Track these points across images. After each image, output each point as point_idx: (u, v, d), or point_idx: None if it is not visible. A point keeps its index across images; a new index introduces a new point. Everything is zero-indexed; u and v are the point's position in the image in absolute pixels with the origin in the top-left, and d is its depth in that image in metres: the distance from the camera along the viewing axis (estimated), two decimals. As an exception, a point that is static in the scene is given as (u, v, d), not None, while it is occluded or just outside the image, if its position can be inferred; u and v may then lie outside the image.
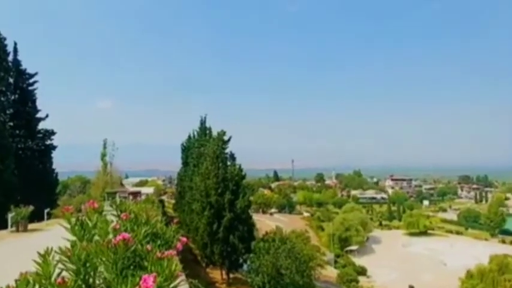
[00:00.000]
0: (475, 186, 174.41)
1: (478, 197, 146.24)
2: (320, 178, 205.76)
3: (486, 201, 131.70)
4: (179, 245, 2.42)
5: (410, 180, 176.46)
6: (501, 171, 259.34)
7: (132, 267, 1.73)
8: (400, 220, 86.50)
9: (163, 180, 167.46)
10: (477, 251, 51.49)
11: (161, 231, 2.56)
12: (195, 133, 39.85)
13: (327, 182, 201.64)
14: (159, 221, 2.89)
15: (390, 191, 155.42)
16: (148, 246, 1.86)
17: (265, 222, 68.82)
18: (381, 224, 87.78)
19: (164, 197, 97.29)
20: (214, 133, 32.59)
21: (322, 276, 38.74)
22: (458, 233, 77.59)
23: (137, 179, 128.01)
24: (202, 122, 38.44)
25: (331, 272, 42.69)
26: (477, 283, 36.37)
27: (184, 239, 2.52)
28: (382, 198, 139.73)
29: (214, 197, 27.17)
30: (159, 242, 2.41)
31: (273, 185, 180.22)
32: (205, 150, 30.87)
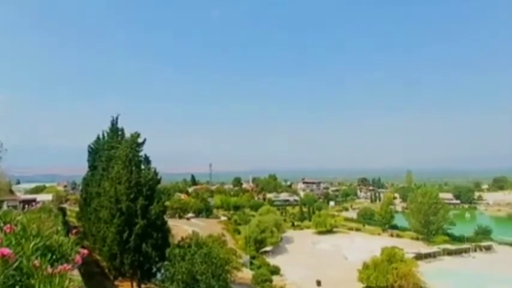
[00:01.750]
0: (371, 187, 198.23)
1: (373, 197, 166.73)
2: (237, 182, 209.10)
3: (379, 200, 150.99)
4: (78, 258, 2.15)
5: (319, 183, 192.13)
6: (391, 174, 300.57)
7: (17, 287, 1.47)
8: (310, 220, 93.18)
9: (65, 186, 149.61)
10: (372, 245, 58.35)
11: (56, 243, 2.24)
12: (105, 134, 36.54)
13: (244, 185, 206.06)
14: (55, 232, 2.53)
15: (302, 193, 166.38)
16: (36, 262, 1.56)
17: (181, 228, 66.89)
18: (293, 225, 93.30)
19: (66, 205, 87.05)
20: (128, 135, 30.45)
21: (238, 278, 39.30)
22: (357, 229, 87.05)
23: (32, 185, 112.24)
24: (114, 123, 35.43)
25: (246, 274, 43.55)
26: (371, 273, 41.37)
27: (85, 251, 2.25)
28: (295, 200, 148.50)
29: (126, 203, 25.31)
30: (53, 256, 2.10)
31: (190, 189, 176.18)
32: (116, 153, 28.56)
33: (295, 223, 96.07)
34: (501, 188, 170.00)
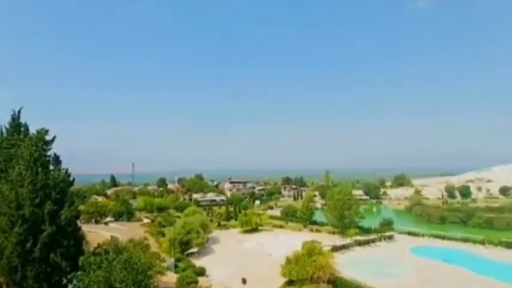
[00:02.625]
0: (294, 186, 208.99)
1: (295, 195, 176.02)
2: (162, 182, 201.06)
3: (301, 198, 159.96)
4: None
5: (246, 182, 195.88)
6: (312, 173, 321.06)
7: None
8: (236, 220, 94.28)
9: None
10: (295, 240, 61.58)
11: None
12: (3, 130, 31.66)
13: (169, 186, 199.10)
14: None
15: (229, 193, 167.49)
16: None
17: (98, 234, 61.80)
18: (219, 225, 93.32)
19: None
20: (33, 131, 26.88)
21: (162, 283, 37.71)
22: (281, 226, 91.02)
23: None
24: (15, 118, 30.92)
25: (171, 278, 42.07)
26: (293, 267, 43.60)
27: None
28: (222, 200, 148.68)
29: (30, 208, 22.32)
30: None
31: (109, 191, 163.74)
32: (18, 152, 24.98)
33: (222, 223, 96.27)
34: (401, 185, 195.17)
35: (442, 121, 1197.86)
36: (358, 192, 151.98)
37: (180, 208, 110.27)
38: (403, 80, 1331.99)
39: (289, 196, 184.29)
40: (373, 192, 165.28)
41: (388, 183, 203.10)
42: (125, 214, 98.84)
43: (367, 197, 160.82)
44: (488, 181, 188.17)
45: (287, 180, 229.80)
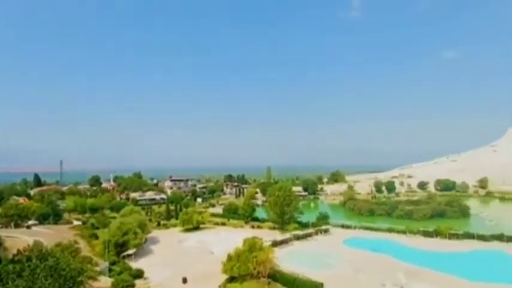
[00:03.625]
0: (236, 183, 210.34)
1: (237, 192, 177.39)
2: (95, 181, 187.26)
3: (243, 195, 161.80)
4: None
5: (187, 180, 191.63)
6: (254, 170, 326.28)
7: None
8: (177, 218, 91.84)
9: None
10: (236, 237, 61.86)
11: None
12: None
13: (104, 185, 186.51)
14: None
15: (169, 191, 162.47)
16: None
17: (19, 239, 55.75)
18: (159, 224, 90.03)
19: None
20: None
21: (94, 289, 35.24)
22: (223, 224, 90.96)
23: None
24: None
25: (104, 283, 39.47)
26: (235, 263, 43.94)
27: None
28: (162, 198, 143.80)
29: None
30: None
31: (32, 192, 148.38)
32: None
33: (162, 222, 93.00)
34: (336, 181, 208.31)
35: (375, 123, 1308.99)
36: (297, 189, 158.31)
37: (116, 208, 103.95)
38: (335, 81, 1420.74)
39: (231, 193, 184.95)
40: (311, 188, 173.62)
41: (325, 180, 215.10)
42: (51, 216, 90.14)
43: (306, 193, 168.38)
44: (409, 177, 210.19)
45: (229, 178, 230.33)
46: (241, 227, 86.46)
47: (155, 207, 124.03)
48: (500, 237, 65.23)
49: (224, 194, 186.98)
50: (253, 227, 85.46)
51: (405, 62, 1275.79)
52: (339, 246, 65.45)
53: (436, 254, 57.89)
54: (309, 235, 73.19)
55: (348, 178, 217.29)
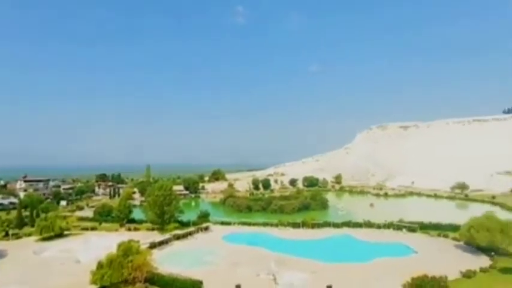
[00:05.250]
0: (110, 183, 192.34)
1: (112, 193, 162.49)
2: None
3: (119, 196, 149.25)
4: None
5: (48, 180, 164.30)
6: (131, 169, 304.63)
7: None
8: (33, 226, 77.74)
9: None
10: (109, 242, 56.46)
11: None
12: None
13: None
14: None
15: (22, 194, 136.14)
16: None
17: None
18: (7, 235, 74.20)
19: None
20: None
21: None
22: (93, 228, 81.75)
23: None
24: None
25: None
26: (106, 271, 40.11)
27: None
28: (12, 203, 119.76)
29: None
30: None
31: None
32: None
33: (11, 232, 76.95)
34: (217, 179, 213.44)
35: (254, 123, 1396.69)
36: (179, 188, 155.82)
37: None
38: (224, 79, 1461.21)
39: (104, 194, 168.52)
40: (193, 186, 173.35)
41: (206, 178, 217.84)
42: None
43: (187, 192, 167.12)
44: (282, 174, 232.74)
45: (102, 177, 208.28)
46: (116, 230, 79.52)
47: (2, 214, 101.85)
48: (348, 224, 78.96)
49: (96, 195, 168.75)
50: (129, 229, 79.69)
51: (277, 72, 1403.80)
52: (218, 242, 67.35)
53: (301, 243, 66.01)
54: (190, 234, 72.97)
55: (228, 176, 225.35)
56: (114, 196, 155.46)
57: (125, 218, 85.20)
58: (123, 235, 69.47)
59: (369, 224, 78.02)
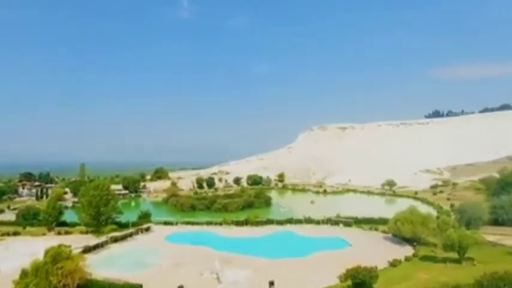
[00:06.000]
0: (37, 183, 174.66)
1: (39, 193, 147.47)
2: None
3: (47, 197, 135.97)
4: None
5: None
6: (62, 168, 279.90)
7: None
8: None
9: None
10: (35, 248, 51.22)
11: None
12: None
13: None
14: None
15: None
16: None
17: None
18: None
19: None
20: None
21: None
22: (16, 233, 73.40)
23: None
24: None
25: None
26: (31, 280, 36.24)
27: None
28: None
29: None
30: None
31: None
32: None
33: None
34: (160, 178, 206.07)
35: (198, 122, 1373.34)
36: (117, 187, 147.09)
37: None
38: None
39: (30, 195, 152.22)
40: (133, 186, 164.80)
41: (148, 177, 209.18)
42: None
43: (127, 191, 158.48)
44: (227, 173, 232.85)
45: (27, 177, 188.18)
46: (43, 235, 72.29)
47: None
48: (290, 221, 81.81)
49: (20, 196, 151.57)
50: (59, 233, 73.04)
51: (221, 71, 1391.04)
52: (160, 243, 65.07)
53: (244, 240, 66.65)
54: (129, 235, 69.39)
55: (171, 175, 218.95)
56: (41, 197, 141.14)
57: (54, 221, 77.83)
58: (52, 240, 63.17)
59: (309, 220, 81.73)
